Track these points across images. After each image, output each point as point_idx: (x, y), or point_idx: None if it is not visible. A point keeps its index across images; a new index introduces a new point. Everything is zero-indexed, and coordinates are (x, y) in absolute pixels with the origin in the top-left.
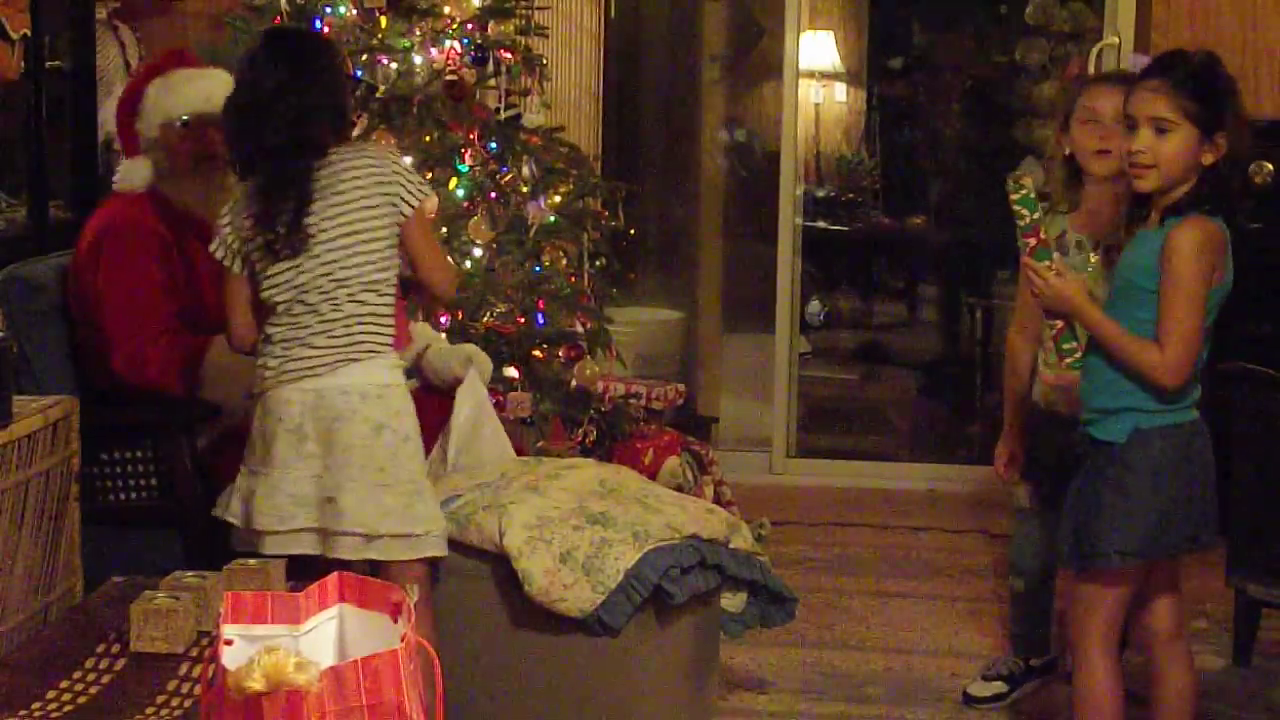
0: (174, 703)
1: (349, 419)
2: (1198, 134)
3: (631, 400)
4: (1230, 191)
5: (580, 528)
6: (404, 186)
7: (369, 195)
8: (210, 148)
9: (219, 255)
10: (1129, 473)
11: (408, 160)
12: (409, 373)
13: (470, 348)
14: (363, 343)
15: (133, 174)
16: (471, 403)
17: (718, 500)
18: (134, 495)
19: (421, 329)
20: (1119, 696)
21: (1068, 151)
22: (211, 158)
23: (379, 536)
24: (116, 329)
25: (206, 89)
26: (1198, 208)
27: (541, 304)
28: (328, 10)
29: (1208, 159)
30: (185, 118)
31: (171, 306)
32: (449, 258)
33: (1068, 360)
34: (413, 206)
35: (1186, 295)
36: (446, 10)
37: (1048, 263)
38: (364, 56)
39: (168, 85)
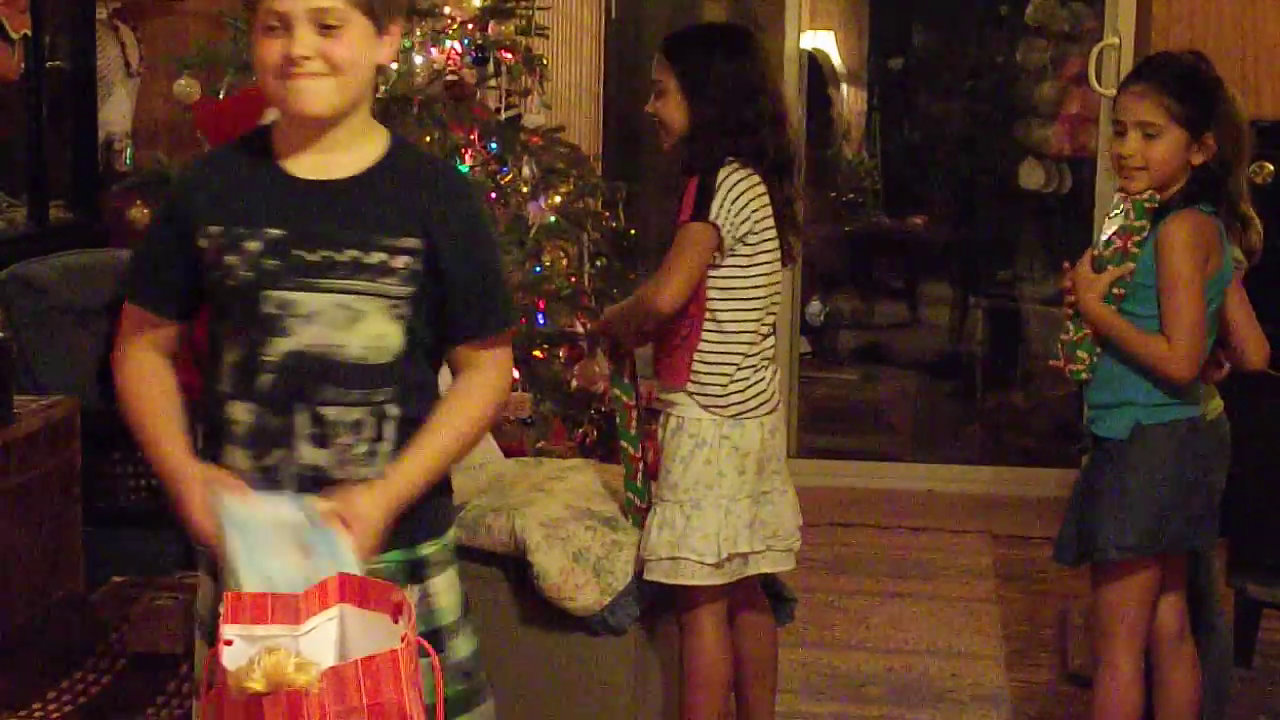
0: (174, 703)
1: None
2: (1186, 135)
3: None
4: (1223, 187)
5: (593, 528)
6: None
7: None
8: None
9: (719, 222)
10: (1128, 469)
11: None
12: None
13: None
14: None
15: None
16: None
17: None
18: (134, 495)
19: None
20: (1140, 703)
21: None
22: None
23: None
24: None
25: None
26: (1188, 204)
27: (542, 304)
28: None
29: (1197, 159)
30: None
31: None
32: None
33: (1074, 367)
34: None
35: (1185, 287)
36: (446, 10)
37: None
38: None
39: None
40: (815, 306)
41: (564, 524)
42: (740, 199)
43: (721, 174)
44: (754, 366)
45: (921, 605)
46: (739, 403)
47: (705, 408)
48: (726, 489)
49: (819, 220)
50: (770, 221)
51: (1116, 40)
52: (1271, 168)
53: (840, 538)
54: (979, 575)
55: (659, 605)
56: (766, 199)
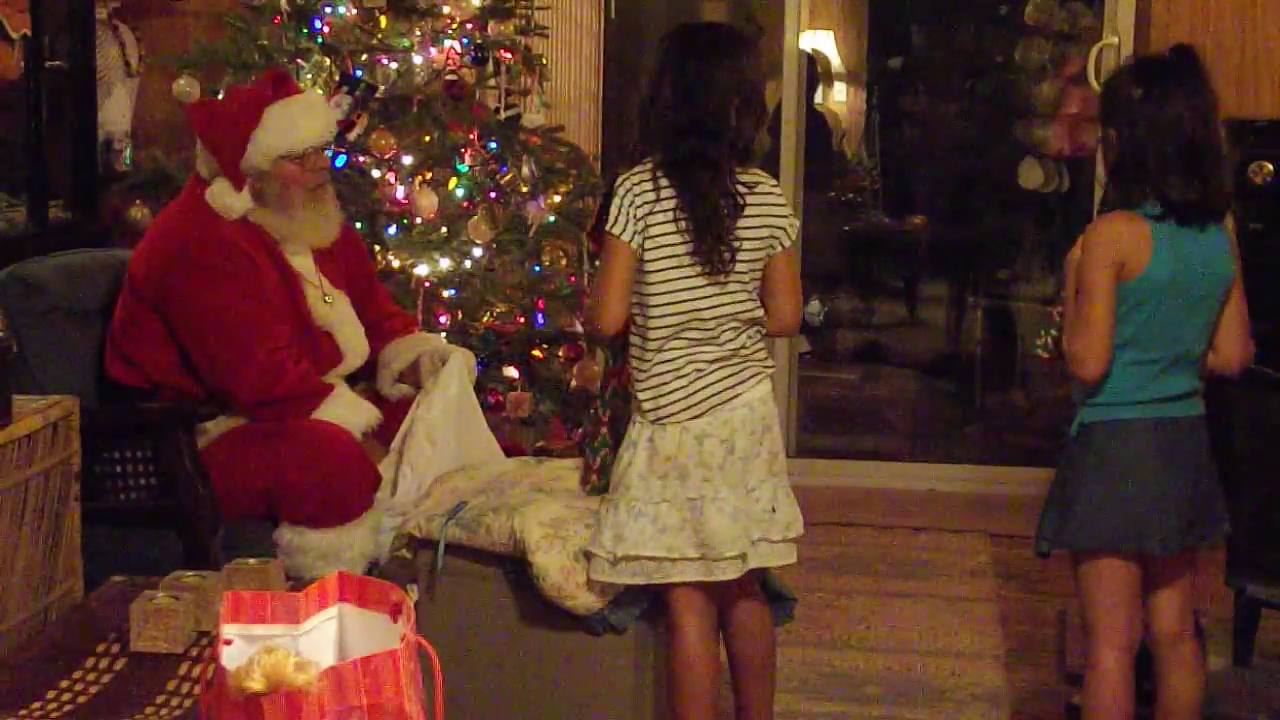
0: (174, 703)
1: None
2: (1100, 133)
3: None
4: (1143, 183)
5: (593, 528)
6: (789, 218)
7: (767, 221)
8: (322, 175)
9: (618, 231)
10: (1066, 464)
11: (408, 160)
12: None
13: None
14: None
15: (232, 203)
16: (456, 383)
17: None
18: (134, 495)
19: (422, 337)
20: (1126, 696)
21: None
22: (322, 184)
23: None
24: (247, 340)
25: (326, 118)
26: (1110, 205)
27: (541, 304)
28: (328, 10)
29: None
30: (307, 149)
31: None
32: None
33: (1038, 341)
34: (791, 239)
35: (1084, 287)
36: (446, 10)
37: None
38: (364, 56)
39: (289, 116)
40: (815, 306)
41: (564, 524)
42: (634, 201)
43: (619, 180)
44: (673, 372)
45: (921, 605)
46: (654, 408)
47: (633, 411)
48: (642, 492)
49: (819, 220)
50: (670, 226)
51: (1116, 40)
52: (1271, 167)
53: (840, 538)
54: (979, 575)
55: (659, 605)
56: (665, 202)
